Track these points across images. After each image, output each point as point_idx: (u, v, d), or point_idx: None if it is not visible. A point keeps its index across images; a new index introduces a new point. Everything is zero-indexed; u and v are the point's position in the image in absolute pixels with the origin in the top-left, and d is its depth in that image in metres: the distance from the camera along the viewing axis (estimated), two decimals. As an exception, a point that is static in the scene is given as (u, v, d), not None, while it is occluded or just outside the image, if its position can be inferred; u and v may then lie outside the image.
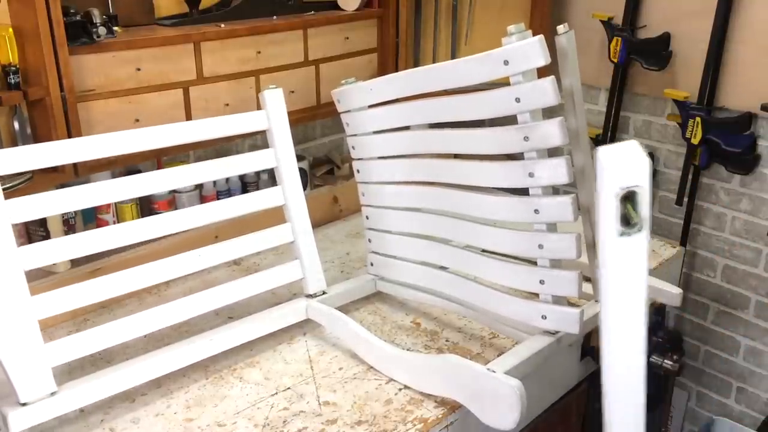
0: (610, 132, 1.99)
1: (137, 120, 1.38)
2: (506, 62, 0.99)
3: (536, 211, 1.06)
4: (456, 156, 1.23)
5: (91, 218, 1.51)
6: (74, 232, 1.43)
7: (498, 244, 1.15)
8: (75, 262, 1.38)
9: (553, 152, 1.04)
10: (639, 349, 0.70)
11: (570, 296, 1.09)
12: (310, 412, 1.09)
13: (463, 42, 1.94)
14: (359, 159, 1.34)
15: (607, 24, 1.94)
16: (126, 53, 1.33)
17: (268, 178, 1.75)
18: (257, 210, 1.29)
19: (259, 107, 1.30)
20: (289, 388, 1.15)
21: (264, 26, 1.52)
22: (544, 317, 1.12)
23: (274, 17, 1.58)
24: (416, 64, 1.90)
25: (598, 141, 2.02)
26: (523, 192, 1.07)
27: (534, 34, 0.99)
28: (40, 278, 1.30)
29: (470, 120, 1.11)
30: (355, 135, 1.33)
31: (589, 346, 1.28)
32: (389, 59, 1.79)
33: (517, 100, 1.01)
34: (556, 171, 1.02)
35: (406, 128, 1.25)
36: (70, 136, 1.26)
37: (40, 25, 1.18)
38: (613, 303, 0.69)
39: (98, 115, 1.32)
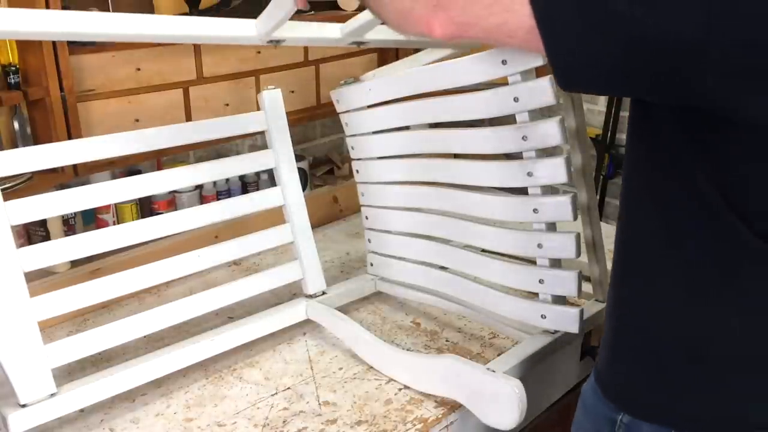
0: (609, 132, 1.99)
1: (137, 120, 1.38)
2: (504, 62, 0.99)
3: (535, 211, 1.06)
4: (455, 156, 1.23)
5: (91, 219, 1.51)
6: (74, 233, 1.43)
7: (497, 243, 1.15)
8: (75, 263, 1.38)
9: (552, 152, 1.04)
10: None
11: (569, 296, 1.09)
12: (310, 412, 1.09)
13: (463, 42, 1.94)
14: (359, 159, 1.34)
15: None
16: (126, 53, 1.33)
17: (268, 178, 1.75)
18: (257, 210, 1.29)
19: (259, 107, 1.30)
20: (289, 388, 1.15)
21: (264, 26, 1.52)
22: (543, 317, 1.12)
23: (274, 17, 1.58)
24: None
25: (598, 141, 2.02)
26: (522, 191, 1.07)
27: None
28: (40, 278, 1.30)
29: (469, 120, 1.11)
30: (354, 135, 1.33)
31: (589, 345, 1.28)
32: (389, 59, 1.79)
33: (516, 99, 1.01)
34: (555, 170, 1.02)
35: (406, 128, 1.25)
36: (70, 137, 1.26)
37: (39, 25, 1.18)
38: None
39: (98, 115, 1.32)
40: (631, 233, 0.80)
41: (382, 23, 0.86)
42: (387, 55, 1.78)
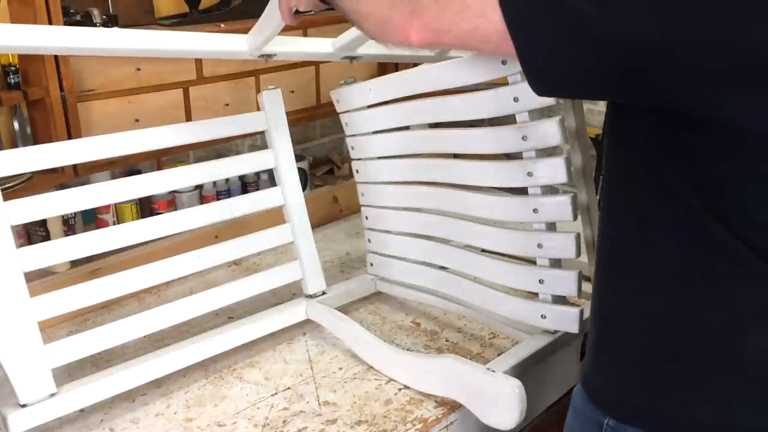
0: (610, 131, 1.99)
1: (137, 120, 1.38)
2: (504, 62, 0.99)
3: (535, 211, 1.06)
4: (455, 156, 1.23)
5: (90, 219, 1.51)
6: (74, 233, 1.43)
7: (497, 243, 1.15)
8: (75, 263, 1.38)
9: (552, 152, 1.04)
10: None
11: (569, 295, 1.09)
12: (310, 412, 1.09)
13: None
14: (359, 159, 1.34)
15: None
16: (126, 54, 1.33)
17: (268, 178, 1.75)
18: (257, 210, 1.29)
19: (259, 107, 1.30)
20: (289, 388, 1.15)
21: (263, 26, 1.52)
22: (543, 317, 1.12)
23: (274, 17, 1.57)
24: (416, 64, 1.89)
25: (598, 141, 2.02)
26: (522, 191, 1.07)
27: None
28: (40, 278, 1.30)
29: (469, 120, 1.11)
30: (354, 135, 1.33)
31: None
32: (388, 63, 1.79)
33: (516, 99, 1.01)
34: (555, 170, 1.02)
35: (406, 128, 1.25)
36: (70, 137, 1.26)
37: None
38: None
39: (98, 115, 1.32)
40: (611, 234, 0.80)
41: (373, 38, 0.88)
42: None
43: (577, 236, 1.05)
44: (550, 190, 1.06)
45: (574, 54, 0.65)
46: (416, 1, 0.76)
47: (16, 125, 1.27)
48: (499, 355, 1.13)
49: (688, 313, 0.73)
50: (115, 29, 1.06)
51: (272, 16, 1.02)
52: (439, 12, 0.74)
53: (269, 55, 1.17)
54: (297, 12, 0.98)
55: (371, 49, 1.20)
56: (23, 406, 0.99)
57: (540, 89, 0.71)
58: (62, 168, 1.25)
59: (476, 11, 0.70)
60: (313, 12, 1.63)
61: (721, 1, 0.58)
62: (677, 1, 0.59)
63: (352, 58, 1.24)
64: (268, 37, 1.09)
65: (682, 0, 0.59)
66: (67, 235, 1.40)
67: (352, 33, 1.13)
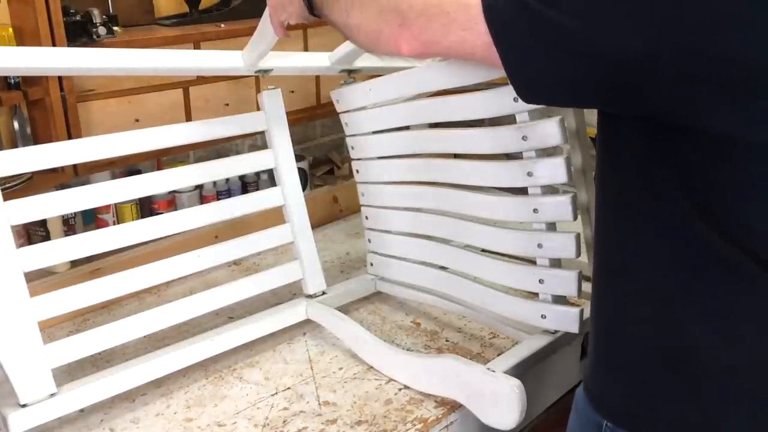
0: (610, 131, 2.00)
1: (137, 120, 1.38)
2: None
3: (535, 211, 1.06)
4: (455, 156, 1.23)
5: (90, 219, 1.51)
6: (74, 233, 1.43)
7: (497, 243, 1.15)
8: (75, 263, 1.38)
9: (552, 152, 1.04)
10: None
11: (570, 295, 1.09)
12: (310, 412, 1.09)
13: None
14: (359, 159, 1.34)
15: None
16: (126, 53, 1.33)
17: (268, 178, 1.75)
18: (257, 210, 1.29)
19: (259, 107, 1.30)
20: (289, 388, 1.15)
21: (263, 26, 1.52)
22: (543, 317, 1.12)
23: (274, 17, 1.57)
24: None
25: (598, 140, 2.02)
26: (522, 191, 1.07)
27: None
28: (40, 278, 1.30)
29: (469, 120, 1.11)
30: (354, 135, 1.33)
31: (589, 345, 1.28)
32: (389, 59, 1.79)
33: (516, 99, 1.01)
34: (555, 170, 1.02)
35: (406, 128, 1.25)
36: (70, 137, 1.26)
37: (39, 25, 1.18)
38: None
39: (98, 115, 1.32)
40: (605, 239, 0.80)
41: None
42: (387, 55, 1.78)
43: (577, 236, 1.05)
44: (550, 190, 1.06)
45: (560, 67, 0.66)
46: (404, 13, 0.77)
47: (16, 125, 1.27)
48: (499, 355, 1.13)
49: (682, 317, 0.72)
50: (115, 50, 1.08)
51: (265, 32, 1.04)
52: (426, 24, 0.75)
53: (266, 71, 1.19)
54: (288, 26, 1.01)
55: (368, 61, 1.20)
56: (23, 406, 0.99)
57: (527, 98, 0.73)
58: (62, 168, 1.25)
59: (462, 24, 0.72)
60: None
61: (701, 8, 0.58)
62: (658, 11, 0.59)
63: (350, 71, 1.26)
64: (262, 53, 1.11)
65: (662, 9, 0.59)
66: (67, 235, 1.40)
67: (348, 46, 1.14)
